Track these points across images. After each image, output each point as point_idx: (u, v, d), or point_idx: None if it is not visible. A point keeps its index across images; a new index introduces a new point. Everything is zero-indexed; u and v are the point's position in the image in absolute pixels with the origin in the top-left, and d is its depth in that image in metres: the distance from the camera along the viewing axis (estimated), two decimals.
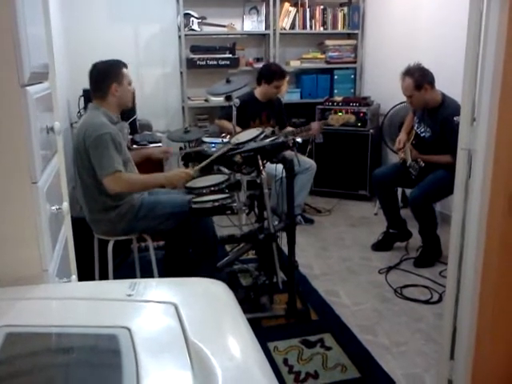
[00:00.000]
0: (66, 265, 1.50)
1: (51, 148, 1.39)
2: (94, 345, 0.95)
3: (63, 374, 0.88)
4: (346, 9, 4.98)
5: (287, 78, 4.18)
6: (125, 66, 2.56)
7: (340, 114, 4.24)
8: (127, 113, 3.36)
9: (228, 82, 3.24)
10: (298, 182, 3.65)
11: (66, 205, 1.42)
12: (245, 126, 3.71)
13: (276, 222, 2.66)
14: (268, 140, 2.61)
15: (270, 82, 3.85)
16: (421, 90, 3.16)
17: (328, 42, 5.00)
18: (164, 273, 2.80)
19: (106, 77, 2.50)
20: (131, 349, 0.87)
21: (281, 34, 4.82)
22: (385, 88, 4.67)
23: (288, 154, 2.57)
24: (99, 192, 2.43)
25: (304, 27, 4.92)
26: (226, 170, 2.73)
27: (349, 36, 5.15)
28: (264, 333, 2.45)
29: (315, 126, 3.89)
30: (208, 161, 2.52)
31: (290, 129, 3.99)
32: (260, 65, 4.52)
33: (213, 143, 2.72)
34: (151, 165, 2.97)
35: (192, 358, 0.86)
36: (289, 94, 4.85)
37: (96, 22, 4.47)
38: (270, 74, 3.85)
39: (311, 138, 4.60)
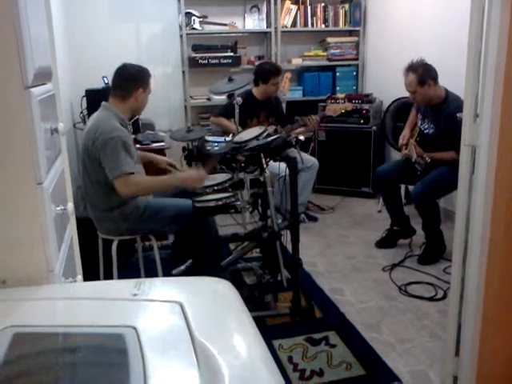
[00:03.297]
0: (71, 265, 1.51)
1: (55, 149, 1.40)
2: (100, 344, 0.96)
3: (70, 374, 0.89)
4: (347, 6, 4.97)
5: (289, 77, 4.19)
6: (150, 75, 2.59)
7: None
8: None
9: (230, 80, 3.24)
10: (301, 179, 3.64)
11: (70, 205, 1.43)
12: (242, 124, 3.71)
13: (280, 220, 2.66)
14: (270, 138, 2.61)
15: (267, 81, 3.85)
16: (424, 85, 3.15)
17: (330, 40, 5.00)
18: (170, 272, 2.81)
19: (136, 79, 2.51)
20: (138, 348, 0.88)
21: (282, 31, 4.82)
22: (387, 85, 4.66)
23: (291, 151, 2.57)
24: (104, 192, 2.44)
25: (305, 25, 4.91)
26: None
27: (350, 33, 5.14)
28: (269, 331, 2.45)
29: (314, 118, 3.86)
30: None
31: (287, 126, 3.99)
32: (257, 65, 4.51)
33: (216, 142, 2.72)
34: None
35: (198, 357, 0.86)
36: (291, 92, 4.84)
37: (97, 22, 4.47)
38: (265, 73, 3.85)
39: (316, 132, 4.60)
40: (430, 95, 3.20)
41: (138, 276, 2.91)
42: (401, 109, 4.22)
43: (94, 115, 2.55)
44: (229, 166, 2.71)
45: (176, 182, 2.56)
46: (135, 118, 3.66)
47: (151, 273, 2.81)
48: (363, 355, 2.26)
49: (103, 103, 2.54)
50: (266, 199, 2.53)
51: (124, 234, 2.57)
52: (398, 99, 4.25)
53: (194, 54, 4.64)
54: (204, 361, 0.85)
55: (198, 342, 0.90)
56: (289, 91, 4.37)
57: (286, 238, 2.62)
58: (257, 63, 4.66)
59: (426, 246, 3.31)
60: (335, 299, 2.80)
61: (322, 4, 4.91)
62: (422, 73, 3.14)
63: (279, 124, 3.90)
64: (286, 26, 4.85)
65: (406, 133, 3.48)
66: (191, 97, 4.75)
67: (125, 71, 2.54)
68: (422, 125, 3.39)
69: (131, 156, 2.42)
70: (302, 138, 2.55)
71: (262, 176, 2.47)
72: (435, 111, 3.25)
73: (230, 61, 4.69)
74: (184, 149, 2.87)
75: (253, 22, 4.88)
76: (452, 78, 3.00)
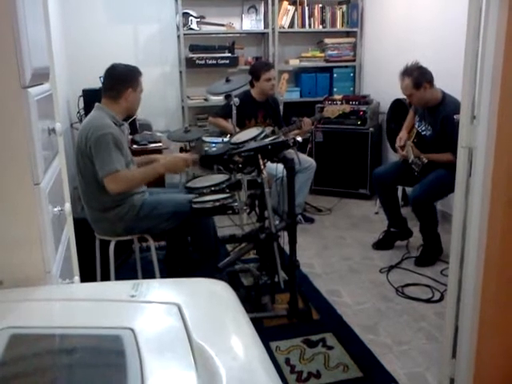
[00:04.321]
0: (68, 266, 1.50)
1: (53, 149, 1.39)
2: (97, 346, 0.96)
3: (67, 375, 0.88)
4: (344, 7, 4.98)
5: (286, 77, 4.19)
6: (141, 74, 2.59)
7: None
8: None
9: (227, 81, 3.23)
10: (298, 180, 3.64)
11: (68, 206, 1.42)
12: (240, 124, 3.71)
13: (277, 222, 2.66)
14: (268, 139, 2.61)
15: (259, 78, 3.86)
16: (420, 88, 3.15)
17: (327, 41, 5.00)
18: (165, 273, 2.80)
19: (124, 80, 2.52)
20: (135, 349, 0.87)
21: (280, 32, 4.83)
22: (384, 86, 4.67)
23: (288, 152, 2.57)
24: (99, 191, 2.43)
25: (303, 26, 4.92)
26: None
27: (348, 34, 5.15)
28: (266, 332, 2.45)
29: (307, 121, 3.89)
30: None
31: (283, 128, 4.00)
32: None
33: (213, 143, 2.72)
34: None
35: (196, 358, 0.86)
36: (288, 93, 4.84)
37: (95, 22, 4.47)
38: (255, 71, 3.87)
39: (313, 133, 4.60)
40: (426, 98, 3.21)
41: (135, 277, 2.91)
42: (395, 110, 4.24)
43: (87, 116, 2.56)
44: (226, 167, 2.70)
45: (162, 168, 2.57)
46: (132, 119, 3.65)
47: (148, 274, 2.80)
48: (360, 357, 2.26)
49: (96, 104, 2.55)
50: (264, 200, 2.52)
51: (121, 235, 2.57)
52: (397, 100, 4.26)
53: (191, 55, 4.64)
54: (201, 362, 0.84)
55: (195, 344, 0.89)
56: (286, 92, 4.38)
57: (284, 239, 2.62)
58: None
59: (423, 248, 3.32)
60: (332, 301, 2.80)
61: (320, 5, 4.91)
62: (418, 76, 3.14)
63: (276, 125, 3.91)
64: (284, 27, 4.86)
65: (402, 134, 3.49)
66: (188, 97, 4.74)
67: (113, 72, 2.55)
68: (419, 126, 3.40)
69: (122, 154, 2.42)
70: (299, 139, 2.54)
71: (260, 177, 2.47)
72: (432, 113, 3.26)
73: (228, 61, 4.69)
74: (181, 149, 2.87)
75: (250, 23, 4.88)
76: (449, 80, 3.01)
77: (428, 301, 2.79)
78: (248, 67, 4.73)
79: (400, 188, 3.82)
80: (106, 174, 2.34)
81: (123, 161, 2.40)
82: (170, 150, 3.59)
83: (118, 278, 2.69)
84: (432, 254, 3.28)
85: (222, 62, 4.68)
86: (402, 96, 3.50)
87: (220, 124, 3.90)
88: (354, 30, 5.03)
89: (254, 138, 2.59)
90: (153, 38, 4.70)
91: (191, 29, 4.62)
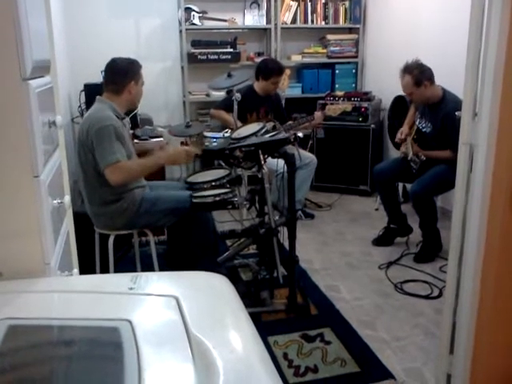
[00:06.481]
0: (67, 258, 1.50)
1: (53, 142, 1.39)
2: (95, 337, 0.96)
3: (65, 367, 0.89)
4: (347, 3, 4.97)
5: (288, 73, 4.18)
6: (141, 66, 2.61)
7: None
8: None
9: (229, 76, 3.24)
10: (299, 176, 3.64)
11: (67, 198, 1.42)
12: (242, 118, 3.71)
13: (277, 217, 2.66)
14: (269, 135, 2.61)
15: (268, 79, 3.85)
16: (420, 86, 3.14)
17: (329, 37, 4.99)
18: (166, 267, 2.81)
19: (126, 73, 2.53)
20: (133, 341, 0.87)
21: (282, 28, 4.81)
22: (386, 83, 4.66)
23: (289, 148, 2.57)
24: (100, 185, 2.44)
25: (305, 21, 4.91)
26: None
27: (350, 30, 5.13)
28: (264, 327, 2.46)
29: (318, 114, 3.88)
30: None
31: (290, 122, 3.99)
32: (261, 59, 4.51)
33: (214, 137, 2.72)
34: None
35: (193, 351, 0.86)
36: (290, 89, 4.84)
37: (97, 16, 4.45)
38: (268, 70, 3.85)
39: (314, 130, 4.59)
40: (426, 95, 3.20)
41: (134, 271, 2.91)
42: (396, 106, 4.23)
43: (89, 109, 2.57)
44: (227, 162, 2.71)
45: (163, 160, 2.58)
46: (133, 113, 3.65)
47: (148, 268, 2.81)
48: (358, 352, 2.27)
49: (98, 97, 2.56)
50: (264, 196, 2.52)
51: (121, 229, 2.57)
52: (398, 97, 4.25)
53: (193, 50, 4.63)
54: (199, 355, 0.85)
55: (193, 336, 0.90)
56: (288, 88, 4.37)
57: (283, 234, 2.63)
58: (259, 59, 4.64)
59: (423, 245, 3.32)
60: (331, 296, 2.80)
61: (323, 1, 4.90)
62: (418, 74, 3.13)
63: (278, 120, 3.91)
64: (286, 23, 4.84)
65: (404, 129, 3.49)
66: (190, 92, 4.74)
67: (115, 66, 2.55)
68: (419, 123, 3.39)
69: (123, 146, 2.43)
70: (300, 134, 2.54)
71: (260, 172, 2.47)
72: (433, 110, 3.25)
73: (230, 57, 4.68)
74: (182, 144, 2.87)
75: (253, 18, 4.87)
76: (451, 77, 3.00)
77: (426, 297, 2.79)
78: (250, 63, 4.75)
79: (400, 185, 3.81)
80: (107, 164, 2.34)
81: (124, 152, 2.40)
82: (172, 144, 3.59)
83: (117, 271, 2.69)
84: (431, 250, 3.28)
85: (224, 57, 4.67)
86: (403, 93, 3.49)
87: (222, 116, 3.89)
88: (357, 26, 5.02)
89: (254, 134, 2.59)
90: (155, 33, 4.69)
91: (193, 24, 4.61)
